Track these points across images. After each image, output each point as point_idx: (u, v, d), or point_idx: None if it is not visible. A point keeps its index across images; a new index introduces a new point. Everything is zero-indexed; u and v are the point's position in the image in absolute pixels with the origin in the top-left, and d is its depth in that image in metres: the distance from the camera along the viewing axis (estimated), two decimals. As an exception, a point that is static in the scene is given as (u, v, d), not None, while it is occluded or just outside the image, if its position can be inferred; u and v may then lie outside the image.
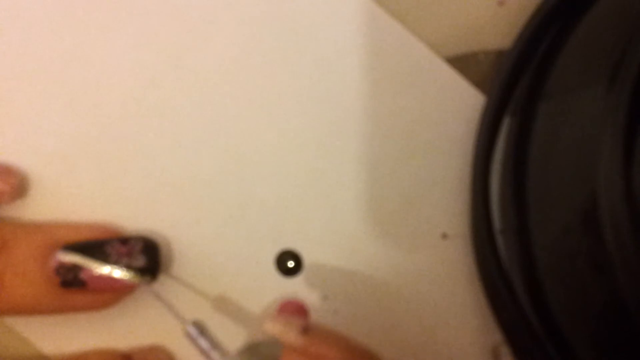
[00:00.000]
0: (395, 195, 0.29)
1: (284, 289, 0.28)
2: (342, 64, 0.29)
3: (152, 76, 0.28)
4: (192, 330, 0.26)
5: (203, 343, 0.25)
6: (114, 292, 0.25)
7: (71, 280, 0.24)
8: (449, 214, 0.29)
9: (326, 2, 0.29)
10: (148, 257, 0.25)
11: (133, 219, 0.28)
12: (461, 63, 0.29)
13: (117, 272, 0.25)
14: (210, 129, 0.28)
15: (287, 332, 0.25)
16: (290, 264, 0.28)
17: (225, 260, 0.28)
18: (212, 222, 0.28)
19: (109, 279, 0.25)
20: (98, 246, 0.25)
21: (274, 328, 0.25)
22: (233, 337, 0.28)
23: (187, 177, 0.28)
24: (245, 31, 0.29)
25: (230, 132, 0.28)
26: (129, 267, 0.25)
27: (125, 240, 0.26)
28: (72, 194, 0.28)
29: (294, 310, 0.28)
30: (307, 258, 0.28)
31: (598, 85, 0.24)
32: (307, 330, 0.25)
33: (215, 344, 0.25)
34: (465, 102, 0.29)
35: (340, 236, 0.29)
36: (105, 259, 0.25)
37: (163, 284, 0.28)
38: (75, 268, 0.24)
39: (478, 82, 0.29)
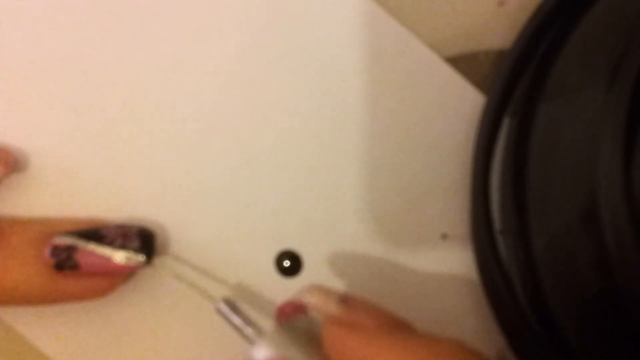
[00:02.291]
0: (395, 195, 0.29)
1: (284, 289, 0.28)
2: (342, 64, 0.29)
3: (154, 75, 0.28)
4: (224, 308, 0.25)
5: (236, 320, 0.25)
6: (108, 275, 0.25)
7: (65, 260, 0.24)
8: (449, 214, 0.29)
9: (326, 2, 0.29)
10: (143, 240, 0.25)
11: (131, 218, 0.28)
12: (461, 63, 0.29)
13: (111, 252, 0.25)
14: (210, 128, 0.28)
15: (327, 302, 0.24)
16: (289, 263, 0.28)
17: (225, 260, 0.28)
18: (212, 222, 0.28)
19: (103, 261, 0.25)
20: (94, 231, 0.25)
21: (313, 298, 0.24)
22: (233, 338, 0.28)
23: (187, 177, 0.28)
24: (246, 31, 0.29)
25: (230, 132, 0.28)
26: (123, 247, 0.25)
27: (121, 225, 0.26)
28: (72, 190, 0.28)
29: (294, 310, 0.28)
30: (307, 258, 0.28)
31: (598, 85, 0.24)
32: (345, 299, 0.24)
33: (248, 321, 0.25)
34: (465, 102, 0.29)
35: (340, 236, 0.28)
36: (100, 240, 0.25)
37: (159, 285, 0.28)
38: (69, 249, 0.25)
39: (478, 82, 0.29)
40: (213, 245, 0.28)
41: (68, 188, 0.28)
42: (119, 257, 0.25)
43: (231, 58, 0.29)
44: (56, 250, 0.25)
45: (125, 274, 0.26)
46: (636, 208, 0.20)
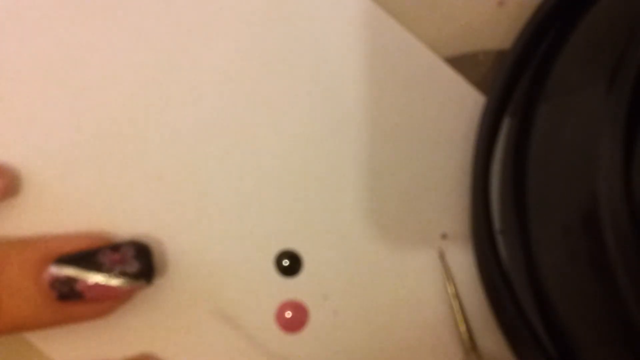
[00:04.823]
0: (395, 196, 0.29)
1: (284, 289, 0.28)
2: (342, 64, 0.29)
3: (150, 77, 0.28)
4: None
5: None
6: (112, 299, 0.26)
7: (67, 293, 0.25)
8: (449, 214, 0.29)
9: (326, 2, 0.29)
10: (141, 262, 0.25)
11: (130, 218, 0.28)
12: (461, 63, 0.29)
13: (112, 280, 0.25)
14: (209, 128, 0.28)
15: None
16: (289, 263, 0.28)
17: (224, 261, 0.28)
18: (211, 222, 0.28)
19: (105, 288, 0.25)
20: (90, 256, 0.25)
21: None
22: (233, 337, 0.28)
23: (186, 177, 0.28)
24: (245, 31, 0.29)
25: (230, 131, 0.28)
26: (123, 273, 0.25)
27: (116, 247, 0.25)
28: (63, 199, 0.27)
29: (294, 310, 0.28)
30: (307, 258, 0.28)
31: (598, 85, 0.24)
32: None
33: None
34: (465, 102, 0.29)
35: (340, 236, 0.29)
36: (98, 268, 0.25)
37: (160, 285, 0.28)
38: (70, 280, 0.25)
39: (478, 82, 0.29)
40: (212, 245, 0.28)
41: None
42: (120, 283, 0.25)
43: (230, 59, 0.29)
44: (56, 282, 0.24)
45: (127, 296, 0.26)
46: (636, 208, 0.20)
